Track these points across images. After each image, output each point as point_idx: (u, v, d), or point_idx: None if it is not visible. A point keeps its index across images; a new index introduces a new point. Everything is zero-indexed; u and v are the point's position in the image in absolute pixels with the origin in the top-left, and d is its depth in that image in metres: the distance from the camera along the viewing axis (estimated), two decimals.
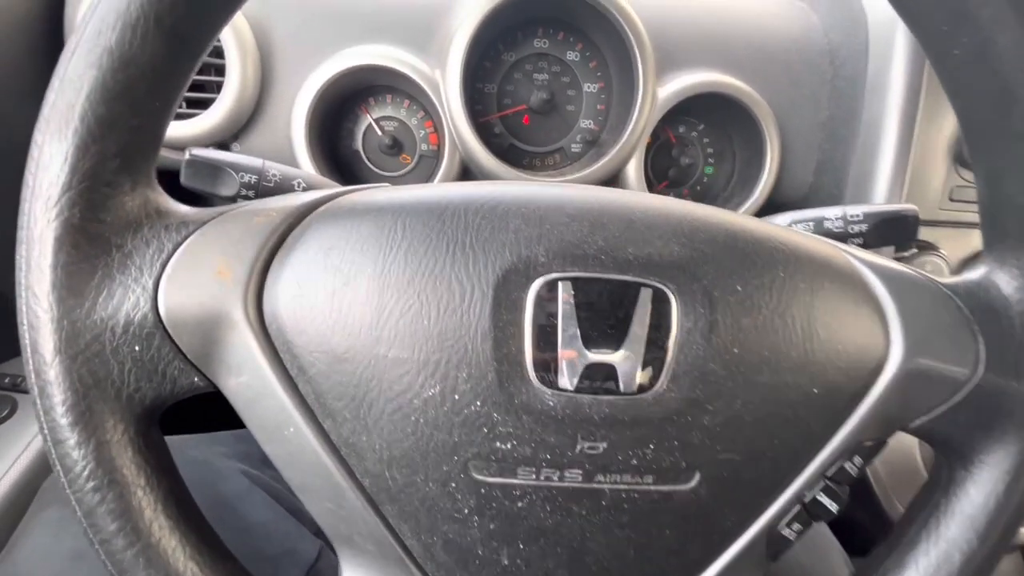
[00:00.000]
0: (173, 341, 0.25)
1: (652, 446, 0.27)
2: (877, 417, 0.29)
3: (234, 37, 0.52)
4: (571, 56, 0.61)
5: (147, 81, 0.23)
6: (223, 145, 0.57)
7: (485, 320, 0.25)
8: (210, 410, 0.60)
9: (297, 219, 0.27)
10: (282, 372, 0.26)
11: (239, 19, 0.53)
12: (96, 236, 0.24)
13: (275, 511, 0.50)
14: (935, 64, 0.28)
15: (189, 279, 0.25)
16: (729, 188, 0.65)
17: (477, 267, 0.26)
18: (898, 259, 0.59)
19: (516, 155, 0.64)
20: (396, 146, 0.61)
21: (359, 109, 0.62)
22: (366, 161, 0.63)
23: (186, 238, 0.26)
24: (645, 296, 0.26)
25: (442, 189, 0.28)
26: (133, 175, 0.25)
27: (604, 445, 0.27)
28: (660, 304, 0.26)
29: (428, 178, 0.63)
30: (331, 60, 0.54)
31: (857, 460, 0.30)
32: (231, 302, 0.26)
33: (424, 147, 0.63)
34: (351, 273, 0.26)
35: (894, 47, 0.55)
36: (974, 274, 0.30)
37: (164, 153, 0.56)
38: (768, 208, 0.62)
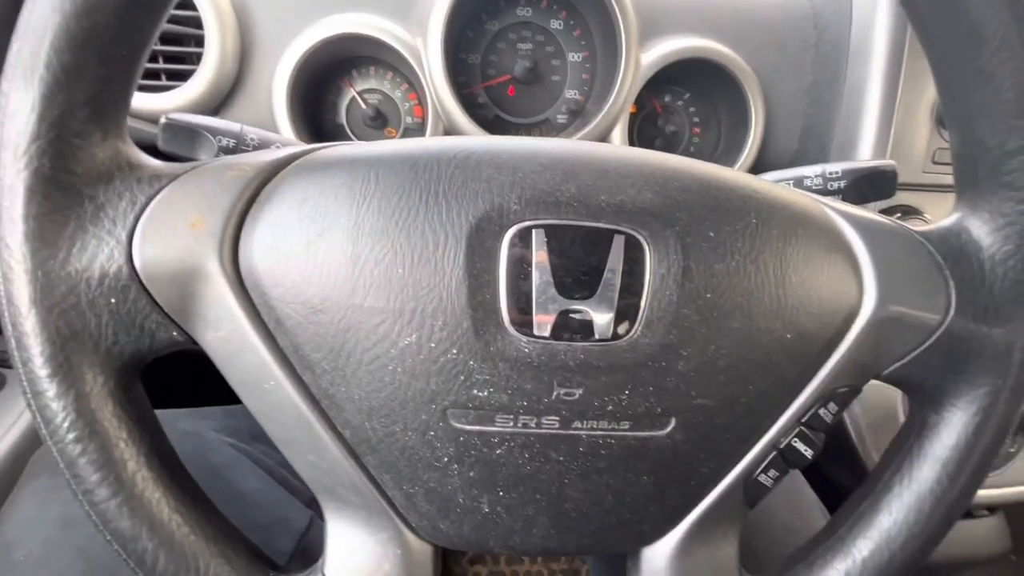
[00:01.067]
0: (149, 294, 0.26)
1: (627, 392, 0.27)
2: (851, 364, 0.30)
3: (212, 6, 0.51)
4: (555, 24, 0.61)
5: (113, 28, 0.23)
6: None
7: (459, 268, 0.25)
8: (199, 388, 0.61)
9: (272, 173, 0.27)
10: (260, 325, 0.27)
11: None
12: (67, 187, 0.24)
13: (265, 482, 0.51)
14: (907, 8, 0.28)
15: (163, 232, 0.25)
16: (715, 155, 0.65)
17: (451, 215, 0.26)
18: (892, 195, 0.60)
19: (501, 126, 0.64)
20: (380, 119, 0.61)
21: (342, 82, 0.61)
22: (350, 134, 0.63)
23: (159, 191, 0.26)
24: (618, 242, 0.26)
25: (415, 142, 0.28)
26: (103, 125, 0.25)
27: (580, 391, 0.27)
28: (633, 251, 0.26)
29: None
30: (311, 29, 0.54)
31: (832, 407, 0.31)
32: (206, 254, 0.26)
33: (409, 120, 0.63)
34: (325, 224, 0.26)
35: (877, 10, 0.55)
36: (946, 221, 0.31)
37: (143, 127, 0.55)
38: (753, 173, 0.62)
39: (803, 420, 0.30)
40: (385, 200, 0.26)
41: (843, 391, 0.30)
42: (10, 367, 0.52)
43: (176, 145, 0.36)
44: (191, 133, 0.36)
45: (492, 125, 0.64)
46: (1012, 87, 0.26)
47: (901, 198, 0.60)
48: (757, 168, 0.61)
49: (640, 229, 0.26)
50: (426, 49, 0.54)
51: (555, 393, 0.27)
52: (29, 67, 0.22)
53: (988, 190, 0.29)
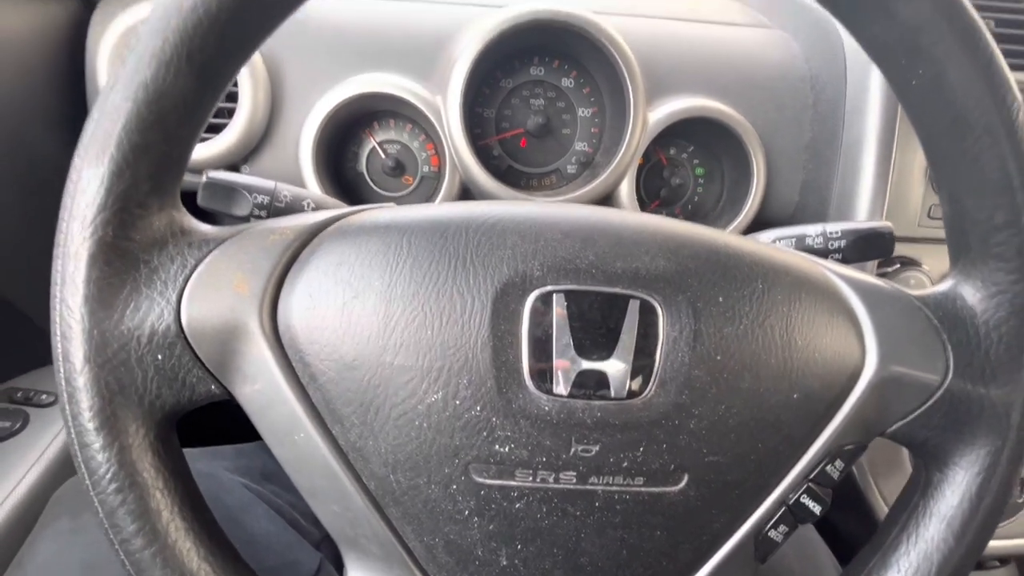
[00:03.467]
0: (193, 350, 0.27)
1: (642, 449, 0.28)
2: (856, 422, 0.31)
3: (246, 66, 0.55)
4: (566, 83, 0.65)
5: (177, 111, 0.25)
6: (234, 167, 0.60)
7: (485, 330, 0.27)
8: (211, 425, 0.62)
9: (309, 237, 0.30)
10: (294, 380, 0.28)
11: None
12: (126, 252, 0.26)
13: (276, 523, 0.51)
14: (898, 94, 0.30)
15: (209, 292, 0.27)
16: (719, 207, 0.68)
17: (477, 281, 0.28)
18: (882, 274, 0.62)
19: (514, 176, 0.67)
20: (398, 168, 0.64)
21: (363, 133, 0.64)
22: (370, 182, 0.66)
23: (207, 254, 0.28)
24: (633, 307, 0.28)
25: (444, 208, 0.30)
26: (161, 197, 0.27)
27: (597, 448, 0.28)
28: (648, 315, 0.28)
29: (429, 198, 0.65)
30: (338, 87, 0.57)
31: (839, 463, 0.32)
32: (248, 314, 0.28)
33: (426, 169, 0.66)
34: (360, 287, 0.28)
35: (870, 75, 0.59)
36: (942, 286, 0.32)
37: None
38: (756, 226, 0.64)
39: (811, 477, 0.31)
40: (416, 266, 0.28)
41: (849, 448, 0.32)
42: (34, 405, 0.53)
43: (215, 202, 0.38)
44: (229, 191, 0.38)
45: (505, 175, 0.67)
46: (996, 168, 0.28)
47: (900, 249, 0.62)
48: (760, 219, 0.64)
49: (654, 294, 0.28)
50: (445, 106, 0.58)
51: (573, 449, 0.28)
52: (101, 147, 0.25)
53: (979, 260, 0.30)
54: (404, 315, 0.27)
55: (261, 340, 0.28)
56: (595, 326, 0.28)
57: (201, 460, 0.54)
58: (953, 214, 0.31)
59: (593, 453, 0.28)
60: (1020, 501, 0.62)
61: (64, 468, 0.52)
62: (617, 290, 0.28)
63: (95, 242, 0.25)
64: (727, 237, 0.31)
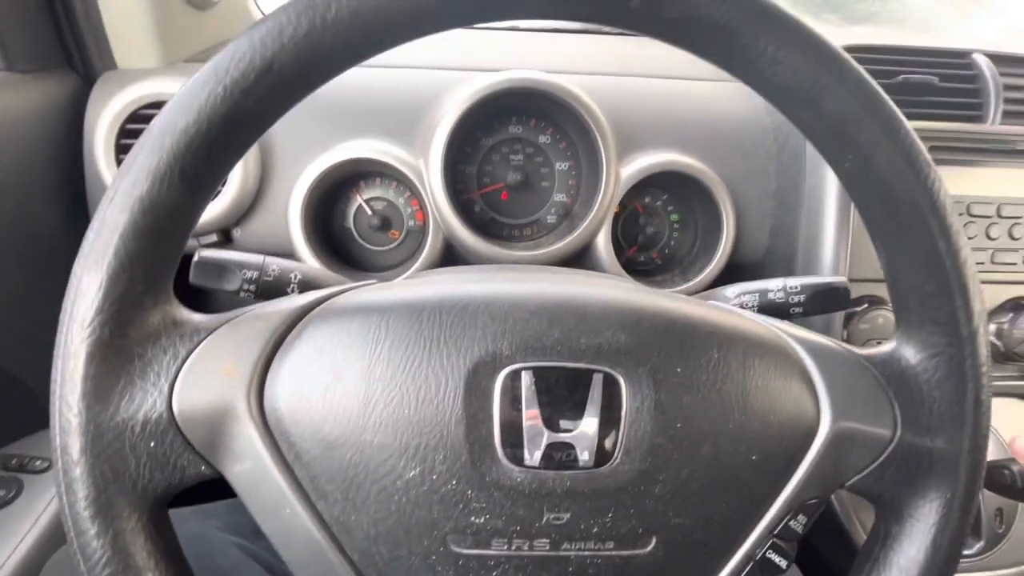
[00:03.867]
0: (184, 435, 0.29)
1: (611, 514, 0.30)
2: (814, 477, 0.33)
3: None
4: (543, 139, 0.68)
5: (170, 219, 0.28)
6: (226, 230, 0.62)
7: (458, 407, 0.29)
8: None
9: (294, 321, 0.32)
10: (280, 459, 0.30)
11: None
12: (121, 349, 0.28)
13: None
14: (835, 171, 0.33)
15: (200, 380, 0.29)
16: (693, 251, 0.70)
17: (451, 361, 0.30)
18: (851, 314, 0.64)
19: (496, 227, 0.70)
20: (384, 223, 0.67)
21: (351, 192, 0.67)
22: (357, 237, 0.68)
23: (198, 344, 0.30)
24: (597, 380, 0.30)
25: (420, 289, 0.33)
26: (155, 294, 0.29)
27: (568, 515, 0.30)
28: (611, 387, 0.30)
29: (415, 251, 0.68)
30: (325, 154, 0.60)
31: (801, 518, 0.33)
32: (236, 397, 0.29)
33: (411, 223, 0.68)
34: (341, 370, 0.30)
35: None
36: (887, 347, 0.35)
37: None
38: (730, 268, 0.67)
39: (775, 532, 0.33)
40: (394, 349, 0.30)
41: (811, 503, 0.33)
42: (29, 472, 0.54)
43: (205, 279, 0.41)
44: (219, 268, 0.40)
45: (488, 226, 0.70)
46: (924, 241, 0.31)
47: (867, 289, 0.65)
48: (733, 262, 0.67)
49: (616, 368, 0.30)
50: (427, 168, 0.61)
51: (545, 518, 0.30)
52: (100, 255, 0.27)
53: (918, 323, 0.33)
54: (383, 396, 0.29)
55: (249, 422, 0.29)
56: (562, 400, 0.30)
57: (192, 520, 0.55)
58: (893, 281, 0.33)
59: (564, 520, 0.30)
60: (1000, 531, 0.64)
61: (58, 534, 0.52)
62: (581, 365, 0.30)
63: (93, 342, 0.27)
64: (685, 307, 0.33)
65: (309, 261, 0.60)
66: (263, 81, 0.27)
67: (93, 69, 0.61)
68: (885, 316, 0.63)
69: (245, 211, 0.61)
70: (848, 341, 0.64)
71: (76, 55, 0.61)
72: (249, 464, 0.30)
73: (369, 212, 0.67)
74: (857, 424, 0.33)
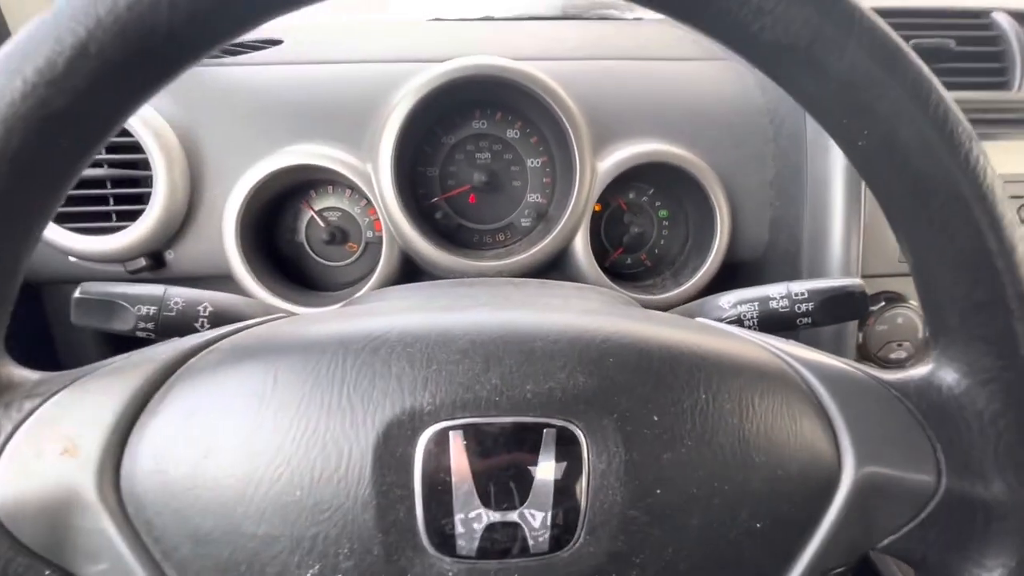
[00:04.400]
0: (12, 536, 0.22)
1: None
2: (837, 542, 0.26)
3: (158, 145, 0.51)
4: (511, 134, 0.61)
5: None
6: (156, 254, 0.55)
7: (366, 484, 0.22)
8: None
9: (162, 377, 0.25)
10: (146, 557, 0.23)
11: (162, 126, 0.52)
12: None
13: None
14: (847, 154, 0.26)
15: (28, 464, 0.22)
16: (685, 251, 0.63)
17: (355, 423, 0.23)
18: (866, 315, 0.56)
19: (465, 234, 0.63)
20: (338, 236, 0.60)
21: (301, 203, 0.61)
22: (311, 253, 0.62)
23: (30, 414, 0.23)
24: (549, 438, 0.23)
25: (322, 326, 0.26)
26: None
27: None
28: (567, 445, 0.23)
29: (374, 265, 0.61)
30: (262, 162, 0.53)
31: None
32: (80, 482, 0.23)
33: (369, 234, 0.62)
34: (213, 442, 0.23)
35: None
36: (921, 370, 0.27)
37: (100, 267, 0.54)
38: (726, 269, 0.60)
39: None
40: (282, 411, 0.23)
41: (835, 573, 0.26)
42: None
43: (91, 319, 0.34)
44: (106, 305, 0.34)
45: (455, 233, 0.63)
46: (968, 237, 0.24)
47: (883, 284, 0.57)
48: (729, 261, 0.59)
49: (573, 420, 0.23)
50: (376, 173, 0.54)
51: None
52: None
53: (962, 341, 0.26)
54: (267, 474, 0.22)
55: (101, 512, 0.23)
56: (504, 466, 0.23)
57: None
58: (926, 287, 0.26)
59: None
60: None
61: None
62: (527, 419, 0.23)
63: None
64: (661, 331, 0.26)
65: (248, 284, 0.53)
66: (77, 69, 0.20)
67: None
68: (905, 315, 0.56)
69: (176, 230, 0.54)
70: (863, 346, 0.57)
71: None
72: (106, 565, 0.23)
73: (322, 224, 0.60)
74: (889, 469, 0.26)
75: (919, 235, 0.25)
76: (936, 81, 0.23)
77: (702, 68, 0.62)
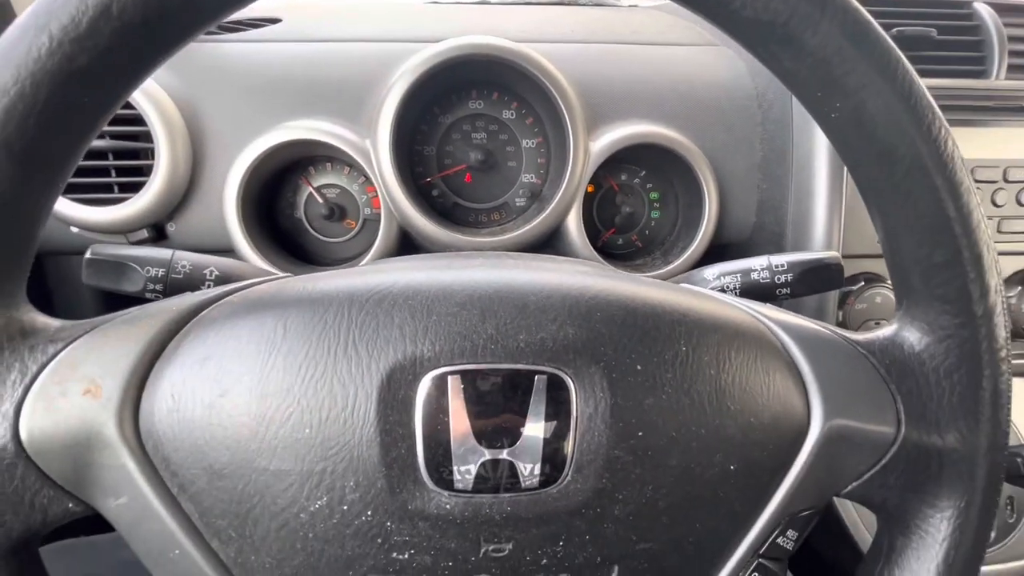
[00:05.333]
0: (39, 468, 0.24)
1: (562, 543, 0.25)
2: (806, 486, 0.28)
3: (161, 118, 0.52)
4: (507, 115, 0.62)
5: (2, 206, 0.22)
6: (158, 226, 0.56)
7: (370, 424, 0.24)
8: None
9: (177, 326, 0.26)
10: (163, 491, 0.25)
11: (164, 99, 0.53)
12: None
13: None
14: (821, 126, 0.28)
15: (54, 401, 0.24)
16: (675, 231, 0.65)
17: (360, 367, 0.24)
18: (846, 293, 0.59)
19: (461, 213, 0.64)
20: (337, 213, 0.61)
21: (299, 179, 0.62)
22: (309, 229, 0.63)
23: (54, 357, 0.25)
24: (540, 384, 0.25)
25: (328, 281, 0.27)
26: None
27: (510, 546, 0.25)
28: (557, 391, 0.25)
29: (372, 241, 0.62)
30: (262, 136, 0.54)
31: (791, 533, 0.28)
32: (102, 421, 0.24)
33: (367, 211, 0.63)
34: (228, 383, 0.25)
35: None
36: (887, 330, 0.30)
37: (102, 238, 0.55)
38: (714, 249, 0.62)
39: (761, 552, 0.28)
40: (291, 356, 0.25)
41: (802, 515, 0.28)
42: None
43: (101, 279, 0.35)
44: (116, 266, 0.35)
45: (451, 212, 0.64)
46: (929, 203, 0.26)
47: (863, 265, 0.60)
48: (717, 241, 0.61)
49: (563, 368, 0.25)
50: (375, 149, 0.55)
51: (483, 550, 0.25)
52: None
53: (923, 302, 0.28)
54: (278, 413, 0.24)
55: (121, 449, 0.24)
56: (498, 409, 0.25)
57: (84, 556, 0.49)
58: (892, 251, 0.28)
59: (506, 552, 0.25)
60: (1010, 521, 0.59)
61: None
62: (520, 366, 0.25)
63: None
64: (647, 291, 0.28)
65: (249, 256, 0.55)
66: (100, 28, 0.21)
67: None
68: (883, 295, 0.58)
69: (178, 203, 0.55)
70: (843, 324, 0.59)
71: None
72: (126, 498, 0.25)
73: (320, 201, 0.61)
74: (854, 422, 0.28)
75: (886, 202, 0.27)
76: (902, 58, 0.25)
77: (694, 53, 0.64)
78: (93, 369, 0.25)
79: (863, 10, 0.24)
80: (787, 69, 0.26)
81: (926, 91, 0.25)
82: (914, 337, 0.28)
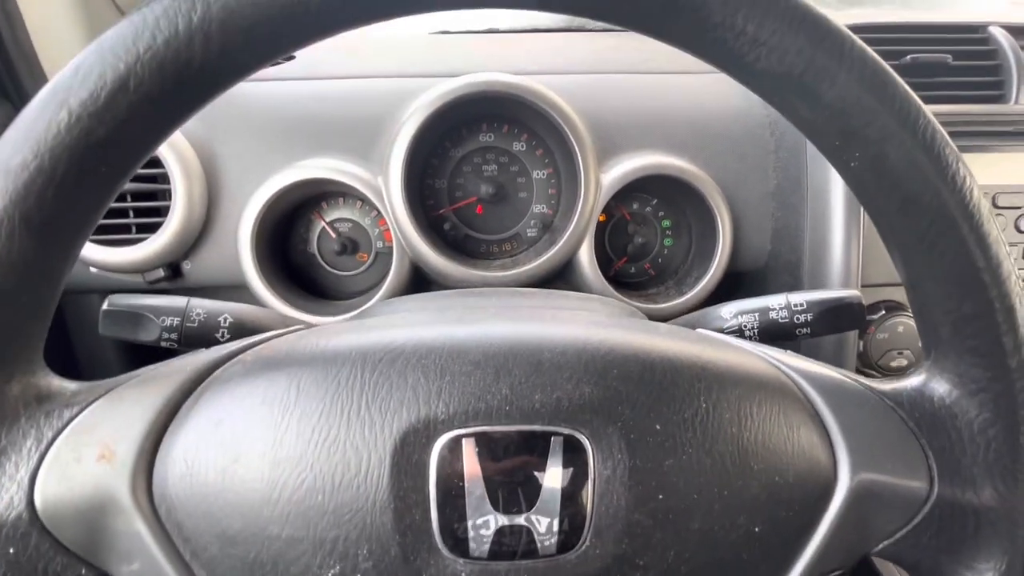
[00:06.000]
0: (53, 536, 0.24)
1: None
2: (833, 546, 0.27)
3: (178, 160, 0.53)
4: (517, 147, 0.62)
5: (19, 278, 0.23)
6: (174, 264, 0.57)
7: (384, 489, 0.24)
8: None
9: (191, 387, 0.26)
10: (176, 557, 0.25)
11: (181, 141, 0.54)
12: None
13: None
14: (841, 174, 0.27)
15: (68, 468, 0.24)
16: (688, 259, 0.64)
17: (373, 431, 0.24)
18: (867, 323, 0.57)
19: (472, 244, 0.64)
20: (349, 247, 0.61)
21: (312, 214, 0.62)
22: (322, 263, 0.63)
23: (69, 422, 0.25)
24: (557, 446, 0.24)
25: (340, 338, 0.27)
26: (10, 367, 0.24)
27: None
28: (574, 453, 0.24)
29: (385, 274, 0.62)
30: (276, 176, 0.55)
31: None
32: (116, 487, 0.24)
33: (380, 244, 0.63)
34: (241, 449, 0.24)
35: None
36: (914, 380, 0.29)
37: (119, 277, 0.56)
38: (729, 278, 0.61)
39: None
40: (304, 420, 0.24)
41: None
42: None
43: (117, 330, 0.35)
44: (132, 316, 0.35)
45: (463, 243, 0.64)
46: (957, 254, 0.25)
47: (884, 293, 0.58)
48: (732, 270, 0.60)
49: (580, 428, 0.25)
50: (387, 186, 0.55)
51: None
52: None
53: (954, 353, 0.27)
54: (291, 479, 0.24)
55: (135, 514, 0.24)
56: (514, 472, 0.24)
57: None
58: (919, 302, 0.27)
59: None
60: None
61: None
62: (536, 428, 0.24)
63: None
64: (663, 343, 0.28)
65: (262, 293, 0.55)
66: (118, 102, 0.21)
67: (28, 98, 0.57)
68: (906, 324, 0.57)
69: (193, 242, 0.56)
70: (864, 354, 0.58)
71: (9, 84, 0.57)
72: (139, 565, 0.25)
73: (333, 235, 0.62)
74: (884, 476, 0.27)
75: (910, 252, 0.26)
76: (922, 105, 0.24)
77: (705, 81, 0.64)
78: (107, 433, 0.25)
79: (881, 60, 0.24)
80: (804, 119, 0.26)
81: (948, 140, 0.25)
82: (943, 389, 0.27)
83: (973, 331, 0.26)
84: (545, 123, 0.59)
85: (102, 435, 0.25)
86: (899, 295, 0.58)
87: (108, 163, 0.23)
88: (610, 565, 0.24)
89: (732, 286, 0.61)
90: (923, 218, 0.25)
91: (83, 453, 0.24)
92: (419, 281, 0.60)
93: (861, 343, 0.57)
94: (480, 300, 0.36)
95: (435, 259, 0.56)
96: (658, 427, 0.25)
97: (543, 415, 0.24)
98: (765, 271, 0.62)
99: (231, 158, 0.56)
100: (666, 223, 0.65)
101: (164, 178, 0.53)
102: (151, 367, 0.27)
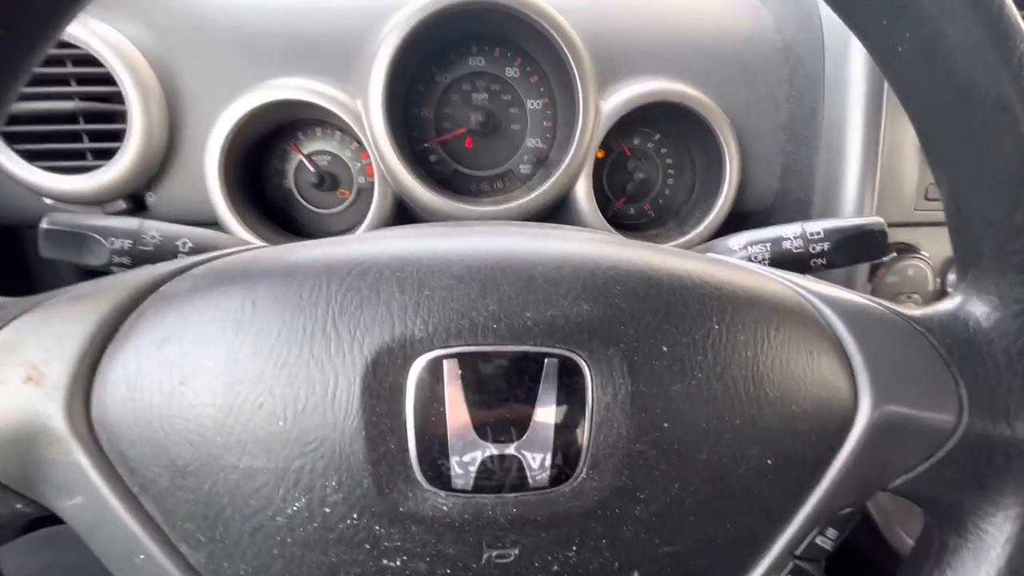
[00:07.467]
0: None
1: (575, 547, 0.22)
2: (849, 481, 0.25)
3: (132, 77, 0.48)
4: (510, 73, 0.57)
5: None
6: (137, 196, 0.53)
7: (353, 415, 0.21)
8: None
9: (133, 303, 0.23)
10: (122, 489, 0.22)
11: (135, 56, 0.49)
12: None
13: None
14: (881, 66, 0.24)
15: None
16: (691, 199, 0.61)
17: (341, 350, 0.21)
18: (876, 265, 0.55)
19: (461, 181, 0.60)
20: (328, 182, 0.57)
21: (287, 145, 0.58)
22: (300, 199, 0.59)
23: None
24: (551, 368, 0.22)
25: (305, 251, 0.24)
26: None
27: (516, 552, 0.22)
28: (570, 376, 0.22)
29: (367, 212, 0.58)
30: (244, 96, 0.50)
31: (831, 532, 0.25)
32: (49, 412, 0.21)
33: (362, 180, 0.59)
34: (189, 369, 0.21)
35: (851, 40, 0.52)
36: (948, 304, 0.26)
37: (75, 208, 0.52)
38: (734, 219, 0.57)
39: (797, 553, 0.25)
40: (262, 337, 0.21)
41: (843, 513, 0.25)
42: None
43: (61, 251, 0.32)
44: (76, 237, 0.31)
45: (451, 179, 0.60)
46: (1013, 154, 0.22)
47: (896, 235, 0.55)
48: (737, 210, 0.57)
49: (576, 350, 0.22)
50: (367, 110, 0.51)
51: (485, 556, 0.22)
52: None
53: (995, 271, 0.24)
54: (247, 403, 0.21)
55: (72, 442, 0.21)
56: (501, 397, 0.21)
57: (42, 552, 0.46)
58: (959, 214, 0.24)
59: (512, 559, 0.22)
60: None
61: None
62: (528, 348, 0.21)
63: None
64: (672, 261, 0.24)
65: (234, 228, 0.51)
66: None
67: None
68: (916, 266, 0.54)
69: (156, 171, 0.51)
70: (873, 296, 0.55)
71: None
72: (82, 498, 0.22)
73: (311, 169, 0.57)
74: (908, 408, 0.24)
75: (957, 151, 0.23)
76: None
77: (714, 3, 0.58)
78: (35, 353, 0.21)
79: None
80: None
81: (1018, 17, 0.21)
82: (981, 312, 0.25)
83: (1021, 244, 0.23)
84: (541, 46, 0.54)
85: (29, 354, 0.21)
86: (911, 236, 0.55)
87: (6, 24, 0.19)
88: (608, 499, 0.22)
89: (737, 227, 0.58)
90: (977, 110, 0.21)
91: (7, 374, 0.21)
92: (403, 218, 0.56)
93: (870, 285, 0.54)
94: (467, 227, 0.32)
95: (421, 192, 0.51)
96: (664, 349, 0.22)
97: (535, 334, 0.22)
98: (771, 211, 0.59)
99: (193, 76, 0.50)
100: (668, 160, 0.61)
101: (119, 97, 0.48)
102: (89, 282, 0.24)
